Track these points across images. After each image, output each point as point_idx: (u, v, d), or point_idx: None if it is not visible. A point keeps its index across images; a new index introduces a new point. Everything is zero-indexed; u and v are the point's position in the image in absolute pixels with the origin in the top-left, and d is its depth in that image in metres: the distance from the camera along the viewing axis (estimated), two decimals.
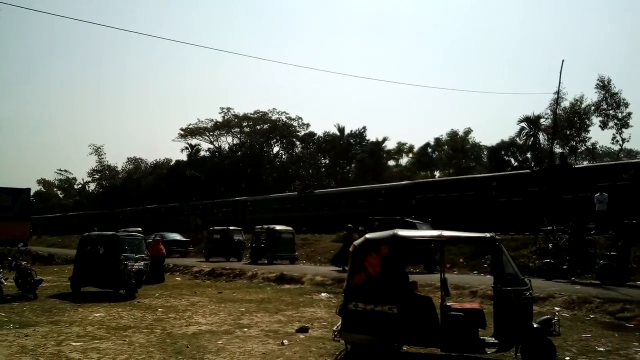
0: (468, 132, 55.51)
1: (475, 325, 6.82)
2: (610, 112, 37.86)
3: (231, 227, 26.86)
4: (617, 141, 38.55)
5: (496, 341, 6.71)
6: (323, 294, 14.58)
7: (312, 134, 60.22)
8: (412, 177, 51.77)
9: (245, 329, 9.62)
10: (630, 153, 51.23)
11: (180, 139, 62.90)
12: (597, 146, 43.18)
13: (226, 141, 63.54)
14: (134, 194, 61.05)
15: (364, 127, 58.05)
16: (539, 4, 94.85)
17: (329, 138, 58.51)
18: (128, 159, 73.94)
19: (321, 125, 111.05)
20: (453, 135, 55.93)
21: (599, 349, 7.94)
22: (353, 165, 57.95)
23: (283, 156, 61.18)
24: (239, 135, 62.88)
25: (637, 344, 8.29)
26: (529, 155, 44.60)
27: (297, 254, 24.16)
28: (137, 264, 14.73)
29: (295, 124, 60.75)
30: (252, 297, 14.21)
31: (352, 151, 57.31)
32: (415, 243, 8.86)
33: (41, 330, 9.50)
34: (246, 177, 55.55)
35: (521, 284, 6.87)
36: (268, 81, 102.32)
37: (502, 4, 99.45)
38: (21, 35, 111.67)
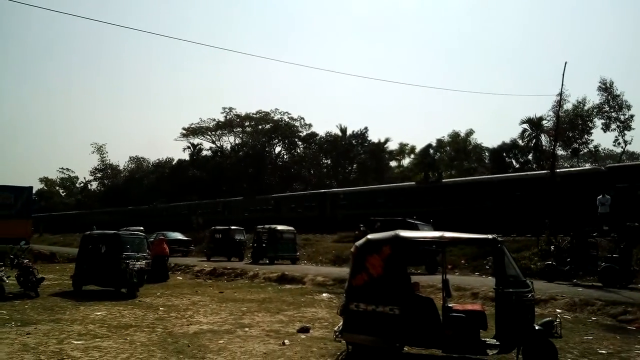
0: (470, 133, 55.51)
1: (476, 327, 6.82)
2: (613, 114, 37.83)
3: (233, 227, 26.88)
4: (620, 144, 38.53)
5: (498, 343, 6.71)
6: (324, 294, 14.58)
7: (314, 134, 60.28)
8: (413, 178, 51.79)
9: (247, 329, 9.62)
10: (632, 155, 51.16)
11: (182, 139, 63.13)
12: (600, 148, 43.17)
13: (228, 141, 63.76)
14: (135, 193, 61.13)
15: (366, 128, 58.13)
16: (542, 5, 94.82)
17: (331, 138, 58.54)
18: (130, 158, 74.25)
19: (323, 125, 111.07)
20: (455, 136, 55.89)
21: (600, 351, 7.93)
22: (355, 165, 57.97)
23: (285, 156, 61.23)
24: (241, 135, 62.98)
25: (638, 346, 8.27)
26: (530, 157, 44.56)
27: (298, 254, 24.17)
28: (139, 262, 14.76)
29: (297, 124, 60.88)
30: (253, 297, 14.22)
31: (353, 152, 57.33)
32: (417, 244, 8.86)
33: (43, 328, 9.51)
34: (248, 177, 55.60)
35: (523, 285, 6.86)
36: (270, 81, 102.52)
37: (505, 5, 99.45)
38: (22, 33, 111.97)
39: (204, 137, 63.02)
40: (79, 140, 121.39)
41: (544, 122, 42.19)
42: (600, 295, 11.78)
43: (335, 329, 7.49)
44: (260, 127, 61.18)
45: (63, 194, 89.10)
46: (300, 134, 60.86)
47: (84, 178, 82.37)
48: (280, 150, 61.55)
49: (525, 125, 44.13)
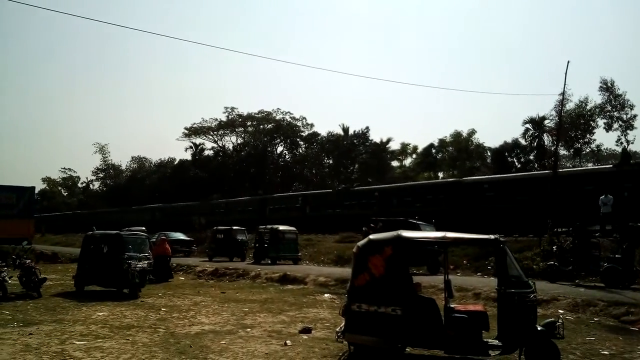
0: (472, 133, 55.49)
1: (479, 328, 6.80)
2: (615, 113, 37.77)
3: (234, 227, 26.89)
4: (622, 143, 38.46)
5: (500, 343, 6.69)
6: (326, 295, 14.57)
7: (315, 134, 60.30)
8: (416, 177, 51.80)
9: (249, 329, 9.62)
10: (635, 155, 51.05)
11: (184, 138, 63.17)
12: (602, 148, 43.10)
13: (230, 141, 63.80)
14: (138, 192, 61.20)
15: (368, 128, 58.13)
16: (544, 4, 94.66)
17: (332, 138, 58.55)
18: (132, 157, 74.31)
19: (325, 125, 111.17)
20: (457, 136, 55.87)
21: (603, 352, 7.91)
22: (356, 165, 57.97)
23: (287, 156, 61.27)
24: (243, 135, 63.02)
25: None
26: (532, 157, 44.51)
27: (300, 254, 24.16)
28: (141, 263, 14.76)
29: (299, 123, 60.91)
30: (255, 298, 14.22)
31: (355, 151, 57.34)
32: (419, 244, 8.84)
33: (45, 328, 9.53)
34: (250, 176, 55.64)
35: (525, 286, 6.85)
36: (272, 81, 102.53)
37: (508, 4, 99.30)
38: (24, 33, 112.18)
39: (206, 137, 63.10)
40: (81, 140, 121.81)
41: (547, 121, 42.17)
42: (602, 296, 11.75)
43: (337, 329, 7.48)
44: (262, 126, 61.23)
45: (65, 194, 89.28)
46: (302, 133, 60.89)
47: (86, 178, 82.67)
48: (282, 150, 61.64)
49: (528, 125, 44.12)
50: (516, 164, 44.74)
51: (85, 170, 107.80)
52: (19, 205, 31.37)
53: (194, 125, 62.07)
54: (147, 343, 8.38)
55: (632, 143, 38.75)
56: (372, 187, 36.47)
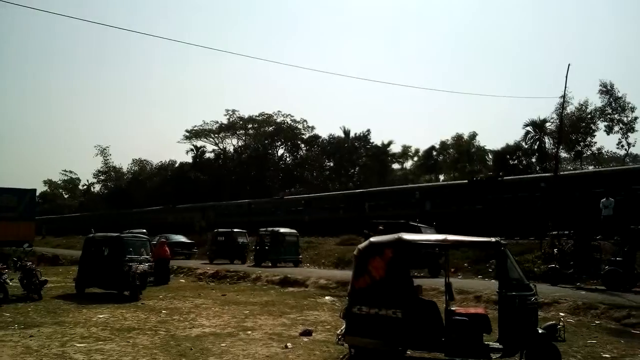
0: (473, 135, 55.46)
1: (479, 330, 6.79)
2: (615, 116, 37.76)
3: (235, 230, 26.89)
4: (623, 146, 38.46)
5: (501, 346, 6.69)
6: (327, 297, 14.57)
7: (316, 137, 60.30)
8: (417, 180, 51.79)
9: (249, 332, 9.62)
10: (636, 158, 51.01)
11: (185, 141, 63.19)
12: (603, 151, 43.07)
13: (231, 143, 63.76)
14: (139, 195, 61.23)
15: (369, 130, 58.12)
16: (546, 8, 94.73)
17: (333, 141, 58.57)
18: (133, 160, 74.28)
19: (326, 128, 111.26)
20: (458, 138, 55.86)
21: (604, 355, 7.91)
22: (357, 168, 57.97)
23: (288, 159, 61.29)
24: (243, 137, 63.02)
25: None
26: (534, 160, 44.49)
27: (301, 256, 24.14)
28: (142, 265, 14.78)
29: (300, 126, 60.89)
30: (255, 300, 14.21)
31: (356, 154, 57.34)
32: (419, 247, 8.84)
33: (45, 331, 9.54)
34: (250, 179, 55.66)
35: (526, 289, 6.84)
36: (273, 83, 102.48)
37: (509, 8, 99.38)
38: (25, 35, 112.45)
39: (206, 139, 63.09)
40: (82, 142, 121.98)
41: (548, 124, 42.17)
42: (603, 299, 11.74)
43: (338, 332, 7.48)
44: (263, 129, 61.23)
45: (66, 197, 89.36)
46: (303, 136, 60.89)
47: (87, 180, 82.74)
48: (283, 153, 61.63)
49: (529, 128, 44.11)
50: (518, 166, 44.69)
51: (86, 172, 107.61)
52: (20, 207, 31.45)
53: (195, 128, 62.13)
54: (147, 345, 8.38)
55: (633, 146, 38.78)
56: (300, 196, 40.88)
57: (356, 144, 57.89)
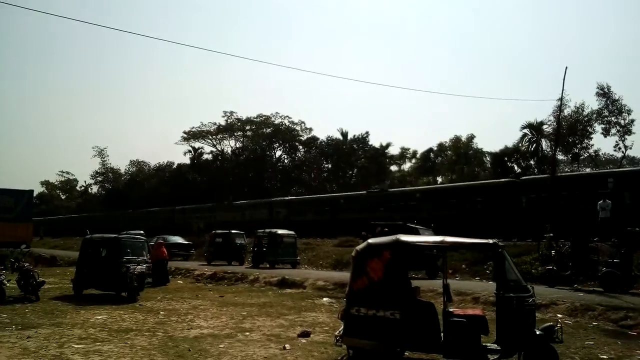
0: (471, 137, 55.49)
1: (477, 332, 6.81)
2: (612, 119, 37.81)
3: (233, 231, 26.89)
4: (620, 148, 38.49)
5: (498, 348, 6.69)
6: (325, 299, 14.58)
7: (314, 138, 60.29)
8: (415, 182, 51.84)
9: (247, 333, 9.62)
10: (633, 160, 51.09)
11: (183, 142, 63.13)
12: (600, 153, 43.12)
13: (229, 145, 63.71)
14: (136, 196, 61.17)
15: (367, 132, 58.15)
16: (544, 10, 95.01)
17: (332, 142, 58.60)
18: (131, 161, 74.18)
19: (324, 129, 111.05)
20: (456, 140, 55.89)
21: (601, 356, 7.93)
22: (355, 170, 57.98)
23: (285, 160, 61.28)
24: (241, 139, 62.99)
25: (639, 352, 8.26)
26: (532, 162, 44.55)
27: (299, 258, 24.14)
28: (139, 266, 14.76)
29: (298, 128, 60.88)
30: (253, 301, 14.21)
31: (354, 156, 57.37)
32: (417, 248, 8.86)
33: (43, 332, 9.52)
34: (248, 180, 55.63)
35: (524, 290, 6.86)
36: (271, 85, 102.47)
37: (506, 10, 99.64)
38: (22, 36, 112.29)
39: (204, 140, 63.03)
40: (80, 143, 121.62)
41: (545, 126, 42.21)
42: (601, 301, 11.78)
43: (336, 333, 7.49)
44: (261, 131, 61.21)
45: (63, 198, 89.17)
46: (301, 138, 60.90)
47: (85, 182, 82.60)
48: (281, 155, 61.61)
49: (526, 130, 44.16)
50: (516, 169, 44.75)
51: (84, 173, 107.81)
52: (18, 208, 31.36)
53: (193, 129, 62.05)
54: (145, 347, 8.37)
55: (630, 148, 38.80)
56: (242, 202, 43.72)
57: (354, 145, 57.93)
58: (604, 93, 37.35)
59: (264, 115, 60.61)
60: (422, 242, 8.47)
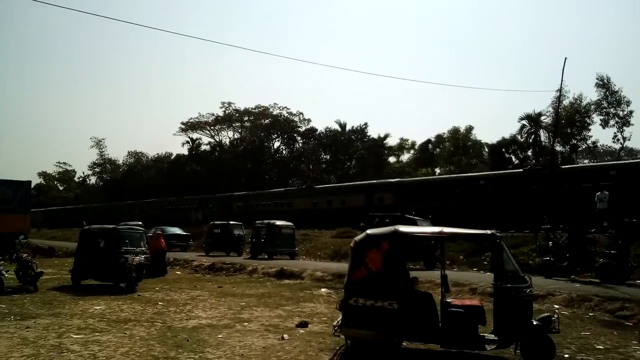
0: (469, 129, 55.49)
1: (475, 322, 6.84)
2: (611, 110, 37.80)
3: (231, 222, 26.89)
4: (618, 140, 38.54)
5: (496, 338, 6.73)
6: (323, 290, 14.61)
7: (313, 130, 60.22)
8: (413, 174, 51.85)
9: (246, 324, 9.64)
10: (631, 152, 51.14)
11: (181, 133, 63.01)
12: (598, 145, 43.19)
13: (227, 136, 63.66)
14: (134, 187, 61.13)
15: (365, 124, 58.11)
16: (544, 2, 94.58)
17: (330, 134, 58.51)
18: (129, 152, 74.13)
19: (322, 121, 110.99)
20: (454, 132, 55.86)
21: (598, 346, 7.97)
22: (354, 161, 57.97)
23: (284, 151, 61.22)
24: (239, 130, 62.91)
25: (635, 342, 8.31)
26: (530, 153, 44.58)
27: (297, 249, 24.18)
28: (138, 257, 14.76)
29: (296, 119, 60.81)
30: (252, 292, 14.24)
31: (353, 147, 57.32)
32: (416, 239, 8.86)
33: (42, 322, 9.53)
34: (246, 171, 55.59)
35: (521, 281, 6.88)
36: (269, 76, 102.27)
37: (506, 1, 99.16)
38: (22, 27, 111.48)
39: (202, 131, 62.96)
40: (78, 134, 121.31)
41: (543, 117, 42.22)
42: (598, 291, 11.82)
43: (334, 323, 7.50)
44: (259, 122, 61.09)
45: (61, 189, 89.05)
46: (299, 129, 60.83)
47: (83, 173, 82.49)
48: (279, 146, 61.58)
49: (524, 121, 44.15)
50: (514, 160, 44.79)
51: (82, 164, 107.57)
52: (15, 199, 31.24)
53: (191, 120, 61.97)
54: (144, 337, 8.39)
55: (629, 140, 38.85)
56: (192, 196, 46.12)
57: (353, 136, 57.86)
58: (604, 84, 37.32)
59: (262, 106, 60.52)
60: (420, 232, 8.49)
